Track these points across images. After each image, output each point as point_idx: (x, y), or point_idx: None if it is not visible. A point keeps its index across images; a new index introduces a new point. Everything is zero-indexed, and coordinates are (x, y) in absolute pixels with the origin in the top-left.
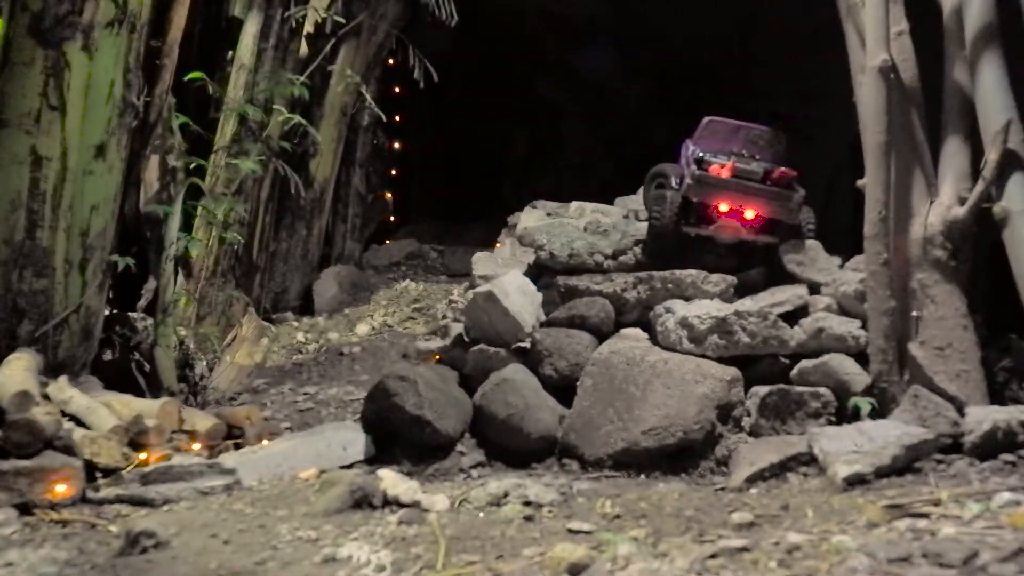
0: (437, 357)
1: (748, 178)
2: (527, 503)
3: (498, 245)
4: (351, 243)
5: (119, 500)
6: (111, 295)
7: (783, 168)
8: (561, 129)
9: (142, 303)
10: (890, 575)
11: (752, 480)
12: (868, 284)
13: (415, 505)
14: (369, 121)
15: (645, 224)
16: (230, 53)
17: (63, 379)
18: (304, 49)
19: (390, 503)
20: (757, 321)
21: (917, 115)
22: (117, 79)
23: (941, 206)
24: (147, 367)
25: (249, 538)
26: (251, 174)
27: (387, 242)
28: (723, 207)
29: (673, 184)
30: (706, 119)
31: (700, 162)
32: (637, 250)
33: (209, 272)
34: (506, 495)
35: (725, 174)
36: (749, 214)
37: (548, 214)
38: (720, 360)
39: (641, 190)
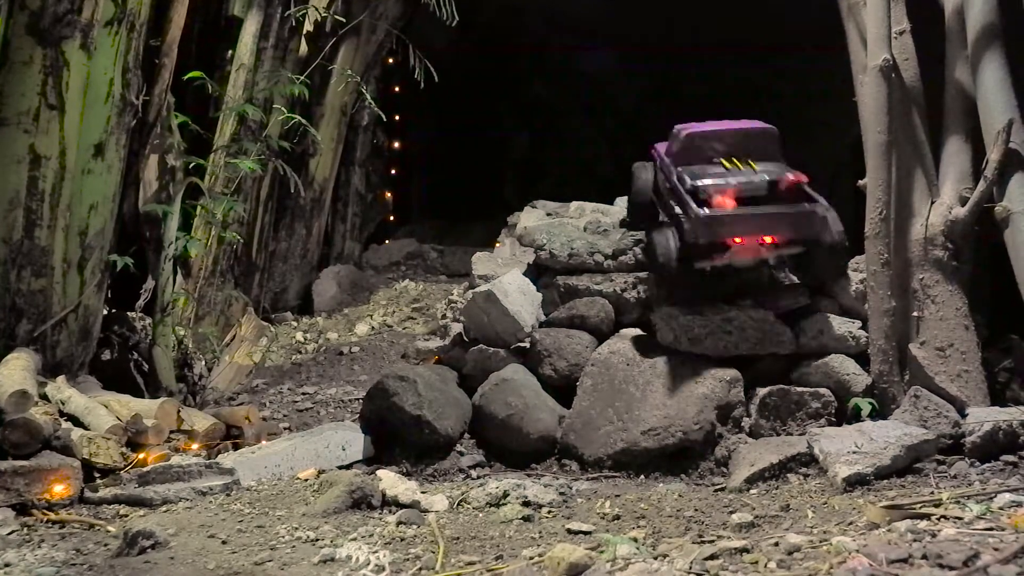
0: (436, 357)
1: (754, 195)
2: (526, 503)
3: (498, 245)
4: (351, 243)
5: (117, 500)
6: (110, 294)
7: (790, 175)
8: (561, 128)
9: (141, 303)
10: None
11: (752, 481)
12: (869, 284)
13: (414, 505)
14: (369, 120)
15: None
16: (229, 52)
17: (61, 379)
18: (304, 48)
19: (389, 503)
20: (757, 321)
21: (918, 115)
22: (116, 78)
23: (942, 206)
24: (146, 367)
25: (247, 538)
26: (250, 173)
27: (387, 242)
28: (738, 240)
29: (642, 185)
30: (683, 134)
31: (696, 193)
32: (637, 250)
33: (208, 272)
34: (505, 495)
35: (730, 203)
36: (767, 239)
37: (548, 214)
38: (720, 360)
39: None
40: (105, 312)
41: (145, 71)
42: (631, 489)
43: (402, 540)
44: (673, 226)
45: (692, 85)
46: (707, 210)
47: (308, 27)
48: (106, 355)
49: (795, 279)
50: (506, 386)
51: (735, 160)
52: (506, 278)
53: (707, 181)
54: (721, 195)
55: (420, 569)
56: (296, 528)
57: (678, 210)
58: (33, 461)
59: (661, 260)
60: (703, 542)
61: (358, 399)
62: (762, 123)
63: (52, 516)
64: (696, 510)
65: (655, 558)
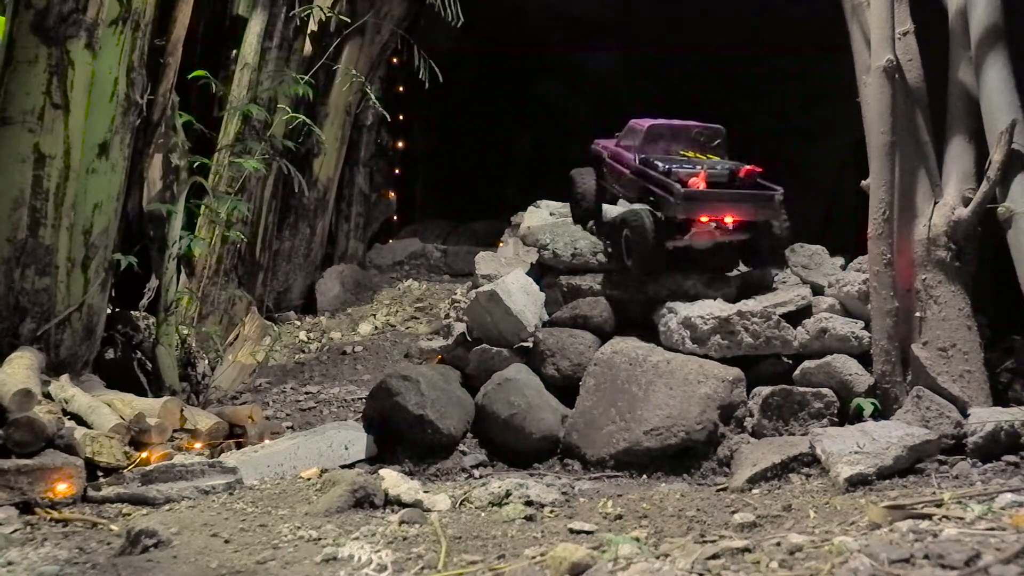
0: (439, 357)
1: (718, 182)
2: (529, 503)
3: (501, 245)
4: (354, 242)
5: (120, 499)
6: (113, 294)
7: (746, 166)
8: (564, 128)
9: (144, 302)
10: None
11: (754, 480)
12: (871, 285)
13: (416, 505)
14: (373, 120)
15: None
16: (234, 52)
17: (65, 378)
18: (308, 48)
19: (391, 503)
20: (760, 322)
21: (922, 115)
22: (121, 77)
23: (945, 207)
24: (149, 366)
25: (250, 537)
26: (254, 173)
27: (390, 241)
28: (704, 218)
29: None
30: (646, 125)
31: (669, 174)
32: None
33: (212, 271)
34: (508, 495)
35: (702, 185)
36: (728, 219)
37: (551, 214)
38: (723, 360)
39: None
40: (109, 311)
41: (150, 70)
42: (633, 489)
43: (404, 539)
44: (646, 210)
45: (696, 85)
46: (686, 188)
47: (312, 27)
48: (110, 354)
49: (799, 279)
50: (509, 386)
51: (692, 152)
52: (509, 278)
53: (679, 166)
54: (695, 178)
55: (422, 568)
56: (299, 527)
57: (659, 192)
58: (36, 460)
59: (639, 236)
60: (705, 542)
61: (361, 398)
62: (712, 123)
63: (55, 515)
64: (698, 510)
65: (657, 558)
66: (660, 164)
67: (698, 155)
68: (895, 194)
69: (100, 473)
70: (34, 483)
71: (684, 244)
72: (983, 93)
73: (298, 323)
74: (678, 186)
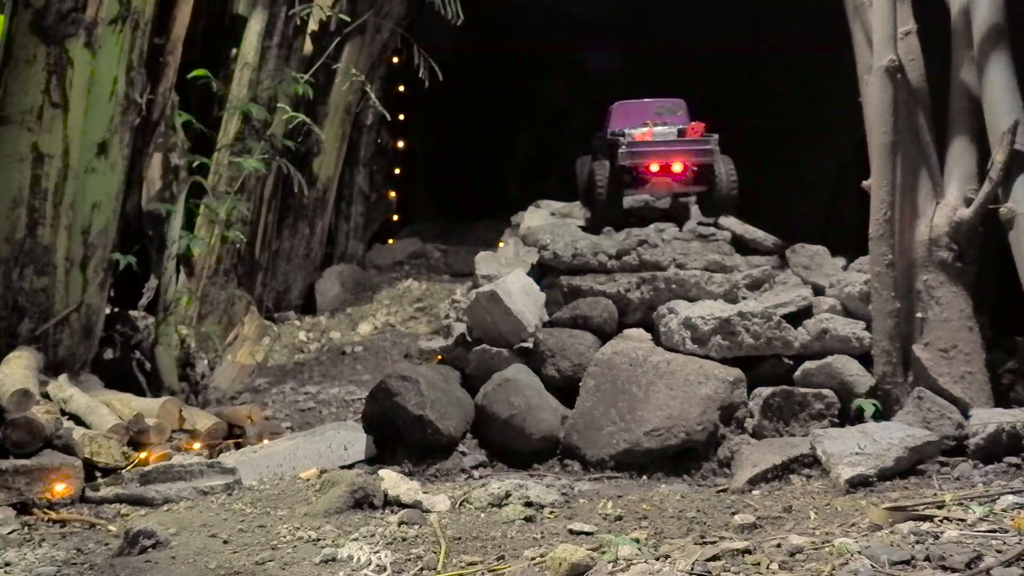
0: (439, 357)
1: (666, 139)
2: (528, 504)
3: (501, 245)
4: (354, 242)
5: (118, 499)
6: (112, 293)
7: (692, 123)
8: (565, 127)
9: (143, 302)
10: None
11: (754, 482)
12: (873, 285)
13: (416, 505)
14: (373, 120)
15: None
16: (234, 51)
17: (63, 378)
18: (308, 47)
19: (391, 503)
20: (761, 322)
21: (924, 115)
22: (120, 76)
23: (947, 207)
24: (148, 366)
25: (249, 538)
26: (254, 172)
27: (390, 241)
28: (654, 167)
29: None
30: (614, 105)
31: (622, 135)
32: (641, 250)
33: (211, 271)
34: (507, 496)
35: (648, 138)
36: (677, 167)
37: (552, 213)
38: (723, 361)
39: None
40: (108, 311)
41: (149, 69)
42: (633, 490)
43: (404, 540)
44: (606, 162)
45: (697, 84)
46: (632, 140)
47: (313, 26)
48: (108, 354)
49: (800, 280)
50: (509, 386)
51: (653, 122)
52: (509, 278)
53: (633, 129)
54: (640, 135)
55: (422, 569)
56: (298, 528)
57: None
58: (34, 460)
59: (598, 181)
60: (705, 543)
61: (360, 399)
62: (674, 98)
63: (53, 515)
64: (698, 511)
65: (657, 559)
66: (616, 131)
67: (657, 123)
68: (896, 194)
69: (98, 473)
70: (32, 483)
71: (643, 196)
72: (985, 93)
73: (298, 323)
74: (623, 141)
